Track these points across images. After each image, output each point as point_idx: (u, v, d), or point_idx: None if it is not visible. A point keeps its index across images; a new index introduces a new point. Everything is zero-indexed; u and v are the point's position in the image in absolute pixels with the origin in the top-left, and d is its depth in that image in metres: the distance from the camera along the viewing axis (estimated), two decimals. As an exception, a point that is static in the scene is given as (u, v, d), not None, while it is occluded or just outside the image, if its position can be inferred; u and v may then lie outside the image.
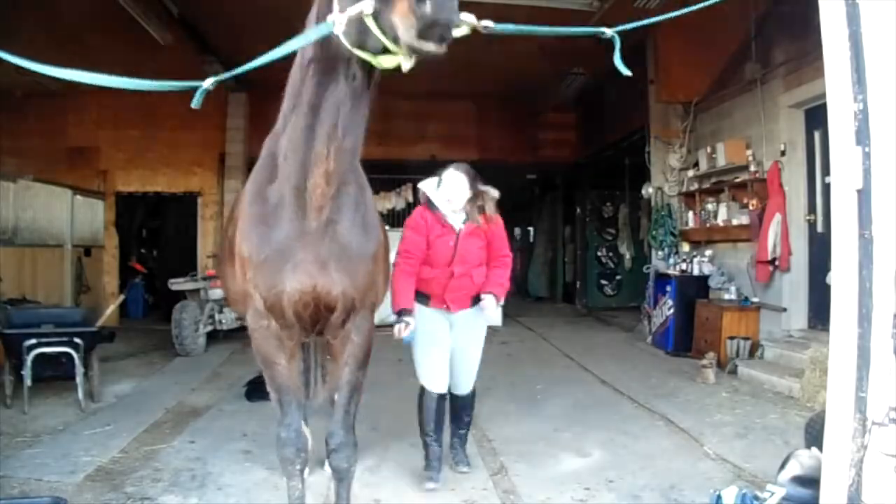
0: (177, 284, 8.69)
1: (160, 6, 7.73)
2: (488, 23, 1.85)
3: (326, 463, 4.01)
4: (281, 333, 2.56)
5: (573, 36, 2.61)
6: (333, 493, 3.00)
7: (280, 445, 2.71)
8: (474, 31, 1.82)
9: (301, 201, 2.33)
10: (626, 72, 2.20)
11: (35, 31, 8.05)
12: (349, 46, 1.90)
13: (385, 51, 1.81)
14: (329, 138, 2.20)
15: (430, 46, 1.66)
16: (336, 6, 1.85)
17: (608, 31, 2.23)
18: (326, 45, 2.06)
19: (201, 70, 9.98)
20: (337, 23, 1.82)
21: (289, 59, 2.26)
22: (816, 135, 6.88)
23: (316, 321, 2.55)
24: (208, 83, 1.91)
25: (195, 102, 1.92)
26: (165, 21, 8.00)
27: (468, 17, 1.78)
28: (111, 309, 6.72)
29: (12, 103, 10.70)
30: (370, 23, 1.76)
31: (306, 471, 3.03)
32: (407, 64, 1.78)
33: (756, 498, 2.91)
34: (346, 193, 2.41)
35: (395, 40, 1.70)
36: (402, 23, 1.64)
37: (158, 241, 13.84)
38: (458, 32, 1.76)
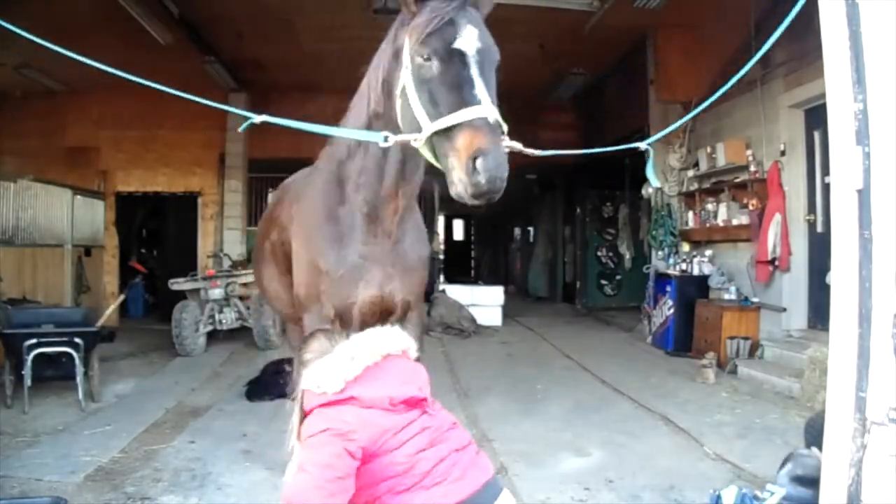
0: (177, 284, 8.70)
1: (160, 6, 7.74)
2: (532, 151, 2.27)
3: None
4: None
5: (611, 153, 2.94)
6: None
7: None
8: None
9: (372, 226, 2.64)
10: (657, 184, 2.61)
11: (35, 32, 8.04)
12: (413, 144, 2.14)
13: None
14: (397, 183, 2.54)
15: (478, 202, 1.94)
16: (398, 102, 2.20)
17: (642, 146, 2.61)
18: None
19: (202, 70, 10.00)
20: (390, 142, 2.18)
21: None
22: (816, 135, 6.88)
23: (376, 324, 2.77)
24: (258, 119, 2.21)
25: (241, 129, 2.31)
26: (165, 21, 8.01)
27: (515, 145, 2.10)
28: (111, 309, 6.72)
29: (12, 103, 10.72)
30: (424, 152, 2.09)
31: None
32: (451, 191, 1.99)
33: (756, 498, 2.91)
34: (409, 214, 2.75)
35: (448, 172, 1.97)
36: (458, 181, 1.91)
37: (158, 241, 13.85)
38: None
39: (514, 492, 3.75)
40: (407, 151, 2.38)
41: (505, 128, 2.01)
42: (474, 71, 2.02)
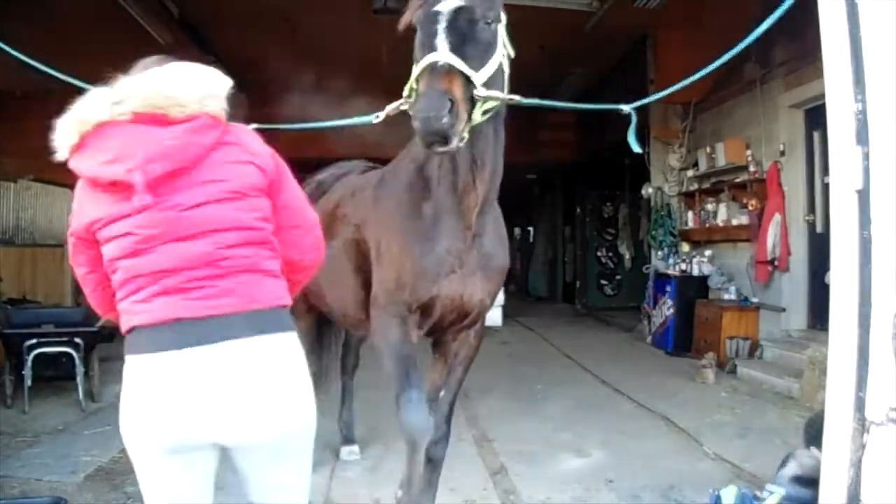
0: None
1: (160, 6, 7.74)
2: (514, 96, 2.30)
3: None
4: (413, 333, 2.79)
5: (593, 110, 2.93)
6: (426, 481, 2.99)
7: (413, 409, 2.69)
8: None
9: (454, 220, 2.61)
10: (638, 149, 2.59)
11: (35, 31, 8.05)
12: (403, 108, 2.29)
13: None
14: (471, 169, 2.50)
15: (437, 150, 2.02)
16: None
17: (625, 108, 2.60)
18: None
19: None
20: (381, 116, 2.35)
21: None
22: (816, 135, 6.88)
23: (453, 323, 2.82)
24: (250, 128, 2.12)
25: None
26: (165, 21, 8.01)
27: (494, 94, 2.15)
28: (111, 309, 6.71)
29: (12, 103, 10.70)
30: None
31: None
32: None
33: (755, 498, 2.91)
34: (490, 210, 2.70)
35: None
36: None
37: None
38: (489, 105, 2.14)
39: (515, 492, 3.76)
40: (473, 134, 2.33)
41: (471, 73, 2.05)
42: (440, 25, 2.08)
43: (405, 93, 2.17)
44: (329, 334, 4.29)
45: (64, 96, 1.69)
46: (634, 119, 2.52)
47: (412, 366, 2.74)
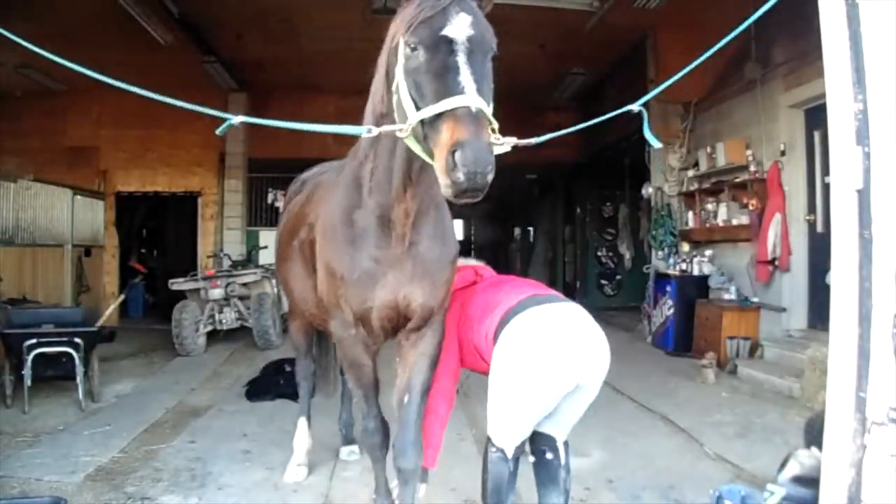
0: (177, 284, 8.70)
1: (160, 6, 7.74)
2: (530, 140, 2.20)
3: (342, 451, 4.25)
4: (367, 339, 2.80)
5: (601, 122, 2.84)
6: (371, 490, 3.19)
7: (369, 435, 2.99)
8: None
9: (386, 230, 2.56)
10: (657, 144, 2.54)
11: (36, 32, 8.06)
12: (404, 140, 2.06)
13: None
14: (404, 185, 2.42)
15: (464, 201, 1.83)
16: (394, 98, 2.09)
17: (634, 107, 2.55)
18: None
19: (201, 70, 10.00)
20: (373, 132, 2.12)
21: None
22: (816, 135, 6.88)
23: (397, 328, 2.80)
24: (237, 120, 2.06)
25: (219, 131, 2.11)
26: (165, 21, 8.01)
27: (508, 140, 1.98)
28: (111, 309, 6.72)
29: (12, 103, 10.71)
30: (410, 143, 1.99)
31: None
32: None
33: (756, 498, 2.91)
34: (426, 217, 2.61)
35: (436, 169, 1.86)
36: (439, 177, 1.82)
37: (158, 240, 13.85)
38: (500, 150, 1.95)
39: (515, 492, 3.75)
40: (412, 151, 2.23)
41: (494, 124, 1.89)
42: (461, 59, 1.89)
43: (410, 120, 1.93)
44: (328, 335, 4.28)
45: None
46: (646, 114, 2.50)
47: (370, 388, 2.93)
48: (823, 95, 2.35)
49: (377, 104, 2.36)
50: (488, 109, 1.88)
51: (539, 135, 2.40)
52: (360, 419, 3.06)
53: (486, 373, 2.72)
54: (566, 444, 2.82)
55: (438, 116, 1.83)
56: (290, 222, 3.52)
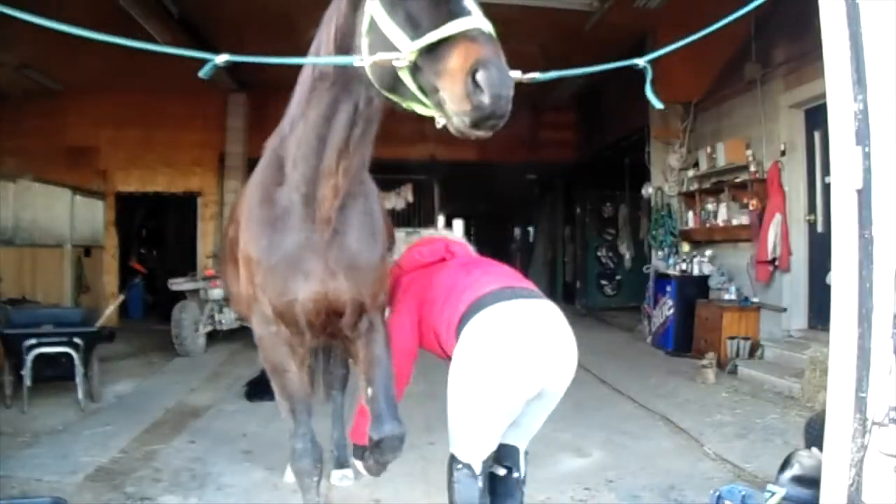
0: (177, 284, 8.70)
1: (160, 6, 7.74)
2: (534, 74, 1.85)
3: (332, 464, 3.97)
4: (292, 339, 2.48)
5: (609, 70, 2.61)
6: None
7: (297, 458, 2.58)
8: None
9: (310, 210, 2.28)
10: (659, 105, 2.26)
11: (36, 31, 8.04)
12: (378, 86, 1.79)
13: (419, 99, 1.66)
14: (339, 155, 2.16)
15: (479, 134, 1.58)
16: (363, 40, 1.77)
17: (640, 62, 2.32)
18: (346, 68, 1.94)
19: (201, 70, 9.99)
20: (364, 61, 1.73)
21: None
22: (816, 135, 6.88)
23: (326, 326, 2.49)
24: (221, 59, 1.86)
25: (203, 72, 1.89)
26: (165, 21, 8.01)
27: (515, 74, 1.69)
28: (111, 309, 6.71)
29: (12, 103, 10.70)
30: (405, 76, 1.65)
31: (323, 483, 2.85)
32: (449, 126, 1.61)
33: (756, 498, 2.91)
34: (354, 203, 2.38)
35: (439, 105, 1.59)
36: (455, 107, 1.53)
37: (158, 241, 13.84)
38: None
39: None
40: (359, 115, 2.07)
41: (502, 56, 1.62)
42: None
43: (410, 47, 1.61)
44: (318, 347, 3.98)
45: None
46: (650, 73, 2.31)
47: (297, 399, 2.53)
48: (823, 95, 2.36)
49: (319, 66, 2.10)
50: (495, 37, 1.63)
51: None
52: (288, 437, 2.62)
53: (442, 358, 2.55)
54: (526, 453, 2.64)
55: (441, 43, 1.55)
56: (227, 222, 3.28)
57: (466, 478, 2.34)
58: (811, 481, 2.61)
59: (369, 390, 2.56)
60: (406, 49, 1.60)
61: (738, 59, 7.93)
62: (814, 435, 3.05)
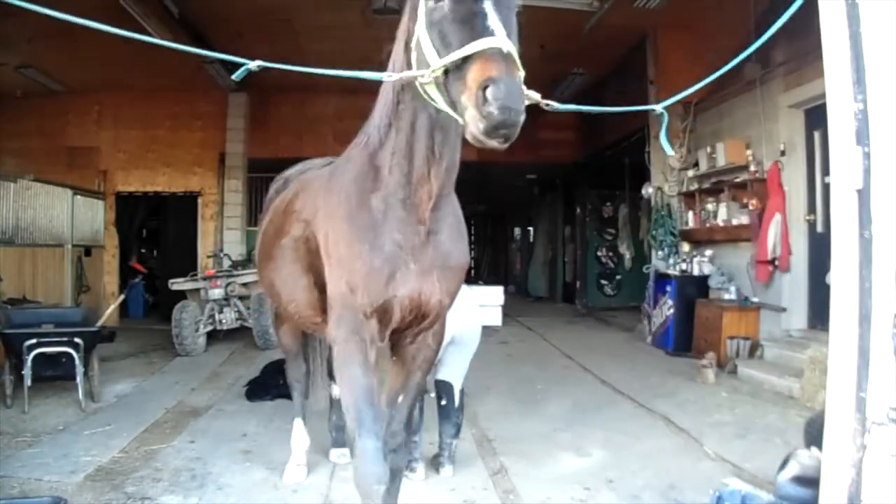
0: (177, 284, 8.70)
1: (160, 6, 7.73)
2: (551, 102, 2.02)
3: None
4: (375, 337, 2.52)
5: (626, 112, 2.74)
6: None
7: (365, 460, 2.40)
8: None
9: (406, 213, 2.42)
10: (670, 151, 2.40)
11: (35, 32, 8.05)
12: (425, 95, 1.99)
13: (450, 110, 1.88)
14: (427, 160, 2.32)
15: (494, 144, 1.71)
16: (413, 55, 2.04)
17: (658, 108, 2.45)
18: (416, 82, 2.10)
19: (201, 70, 10.00)
20: (394, 77, 2.04)
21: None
22: (816, 135, 6.88)
23: (410, 325, 2.60)
24: (254, 65, 2.08)
25: (236, 76, 2.19)
26: (165, 21, 8.00)
27: (533, 95, 1.90)
28: (111, 309, 6.72)
29: (12, 103, 10.71)
30: (432, 90, 1.90)
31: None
32: (467, 135, 1.77)
33: (756, 497, 2.91)
34: (446, 206, 2.51)
35: (462, 116, 1.75)
36: (469, 116, 1.71)
37: (158, 241, 13.85)
38: (527, 101, 1.83)
39: (515, 492, 3.76)
40: (435, 123, 2.22)
41: (523, 72, 1.78)
42: (487, 4, 1.81)
43: (434, 67, 1.85)
44: (315, 337, 4.13)
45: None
46: (666, 119, 2.40)
47: (371, 402, 2.45)
48: (823, 95, 2.36)
49: (396, 77, 2.25)
50: (517, 57, 1.78)
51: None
52: (354, 438, 2.46)
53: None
54: (462, 391, 4.02)
55: (466, 60, 1.74)
56: (277, 220, 3.34)
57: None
58: (811, 481, 2.61)
59: (401, 397, 2.79)
60: (434, 65, 1.84)
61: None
62: (813, 435, 3.05)
